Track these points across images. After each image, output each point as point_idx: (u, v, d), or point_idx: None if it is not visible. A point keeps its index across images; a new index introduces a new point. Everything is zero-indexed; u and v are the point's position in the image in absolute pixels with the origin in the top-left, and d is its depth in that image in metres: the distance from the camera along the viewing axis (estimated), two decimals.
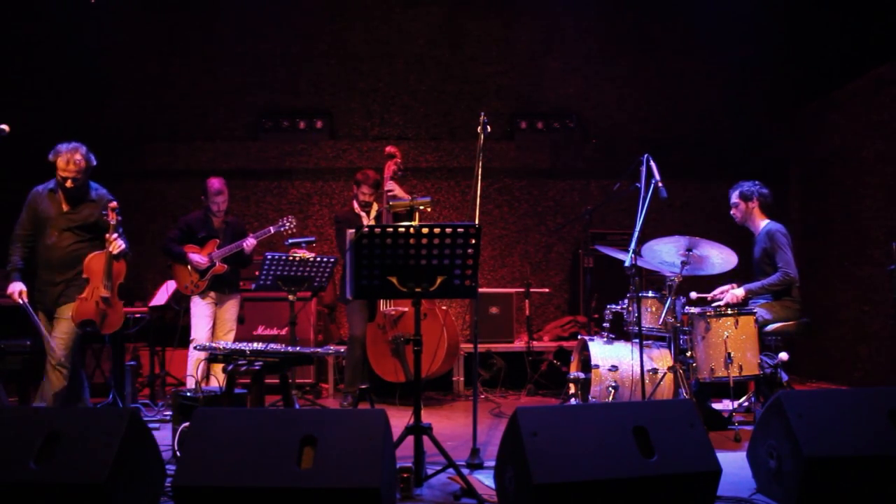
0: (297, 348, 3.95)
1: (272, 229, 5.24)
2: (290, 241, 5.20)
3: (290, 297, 5.01)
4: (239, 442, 2.78)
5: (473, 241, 3.30)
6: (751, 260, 5.07)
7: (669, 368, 4.50)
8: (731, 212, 5.15)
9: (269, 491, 2.67)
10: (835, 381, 6.39)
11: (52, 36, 6.82)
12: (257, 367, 3.74)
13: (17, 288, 4.29)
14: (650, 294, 4.71)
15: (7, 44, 6.78)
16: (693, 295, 4.93)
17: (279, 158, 7.16)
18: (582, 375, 4.68)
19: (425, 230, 3.26)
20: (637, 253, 4.36)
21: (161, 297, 5.75)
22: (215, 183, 5.24)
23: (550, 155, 7.28)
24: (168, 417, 4.56)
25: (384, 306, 5.55)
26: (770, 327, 4.75)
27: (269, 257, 4.92)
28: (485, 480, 3.49)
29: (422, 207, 4.69)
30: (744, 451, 3.43)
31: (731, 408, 4.79)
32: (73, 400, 4.37)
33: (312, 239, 5.30)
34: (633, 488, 2.81)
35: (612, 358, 4.63)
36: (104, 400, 5.17)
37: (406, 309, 5.45)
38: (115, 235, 4.31)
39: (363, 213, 5.54)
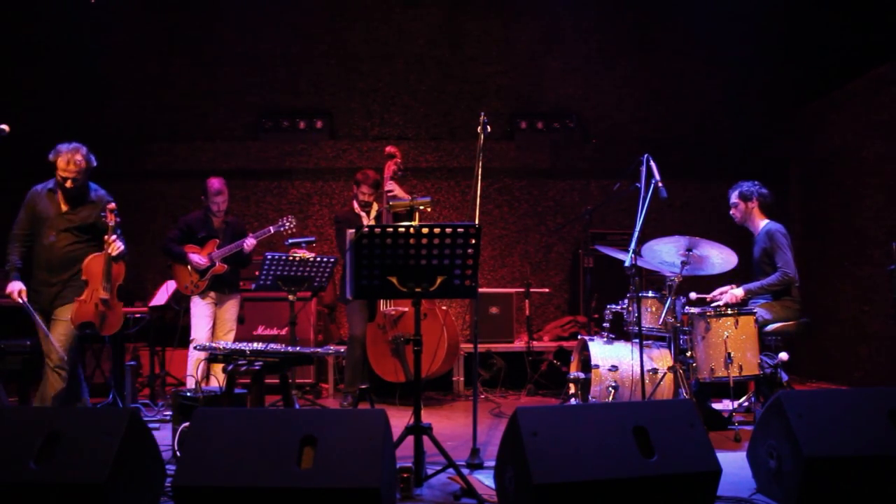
0: (297, 348, 3.95)
1: (272, 229, 5.24)
2: (290, 241, 5.20)
3: (290, 297, 5.01)
4: (239, 442, 2.78)
5: (473, 241, 3.30)
6: (750, 260, 5.08)
7: (669, 368, 4.50)
8: (731, 212, 5.14)
9: (268, 491, 2.67)
10: (835, 381, 6.39)
11: (52, 36, 6.82)
12: (257, 367, 3.74)
13: (16, 287, 4.28)
14: (650, 294, 4.71)
15: (7, 44, 6.78)
16: (692, 296, 4.92)
17: (279, 158, 7.16)
18: (582, 375, 4.68)
19: (425, 230, 3.26)
20: (637, 253, 4.36)
21: (161, 297, 5.75)
22: (215, 183, 5.24)
23: (550, 155, 7.28)
24: (168, 417, 4.56)
25: (384, 306, 5.55)
26: (770, 327, 4.75)
27: (269, 257, 4.92)
28: (485, 480, 3.49)
29: (422, 207, 4.69)
30: (744, 451, 3.43)
31: (731, 408, 4.79)
32: (72, 401, 4.37)
33: (312, 239, 5.30)
34: (633, 488, 2.81)
35: (612, 358, 4.63)
36: (104, 400, 5.17)
37: (406, 309, 5.45)
38: (114, 237, 4.30)
39: (363, 213, 5.54)
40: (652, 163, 4.44)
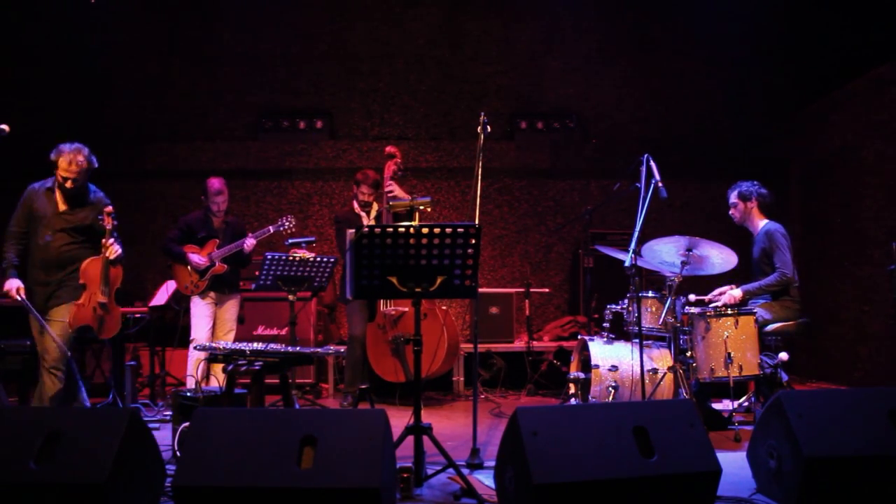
0: (297, 348, 3.95)
1: (272, 229, 5.24)
2: (290, 241, 5.20)
3: (290, 297, 5.01)
4: (239, 442, 2.77)
5: (473, 241, 3.30)
6: (750, 260, 5.07)
7: (669, 368, 4.50)
8: (730, 212, 5.14)
9: (268, 491, 2.67)
10: (835, 381, 6.39)
11: (52, 36, 6.82)
12: (257, 367, 3.74)
13: (14, 285, 4.26)
14: (650, 294, 4.71)
15: (7, 44, 6.78)
16: (691, 297, 4.92)
17: (279, 158, 7.16)
18: (582, 375, 4.68)
19: (425, 230, 3.26)
20: (637, 253, 4.36)
21: (161, 297, 5.75)
22: (215, 183, 5.24)
23: (550, 155, 7.28)
24: (168, 417, 4.56)
25: (384, 306, 5.55)
26: (770, 327, 4.75)
27: (269, 257, 4.92)
28: (485, 480, 3.49)
29: (422, 207, 4.69)
30: (744, 451, 3.43)
31: (731, 408, 4.79)
32: (69, 401, 4.35)
33: (312, 239, 5.30)
34: (633, 488, 2.81)
35: (612, 358, 4.63)
36: (104, 400, 5.17)
37: (406, 309, 5.45)
38: (112, 241, 4.29)
39: (363, 213, 5.53)
40: (652, 163, 4.44)
